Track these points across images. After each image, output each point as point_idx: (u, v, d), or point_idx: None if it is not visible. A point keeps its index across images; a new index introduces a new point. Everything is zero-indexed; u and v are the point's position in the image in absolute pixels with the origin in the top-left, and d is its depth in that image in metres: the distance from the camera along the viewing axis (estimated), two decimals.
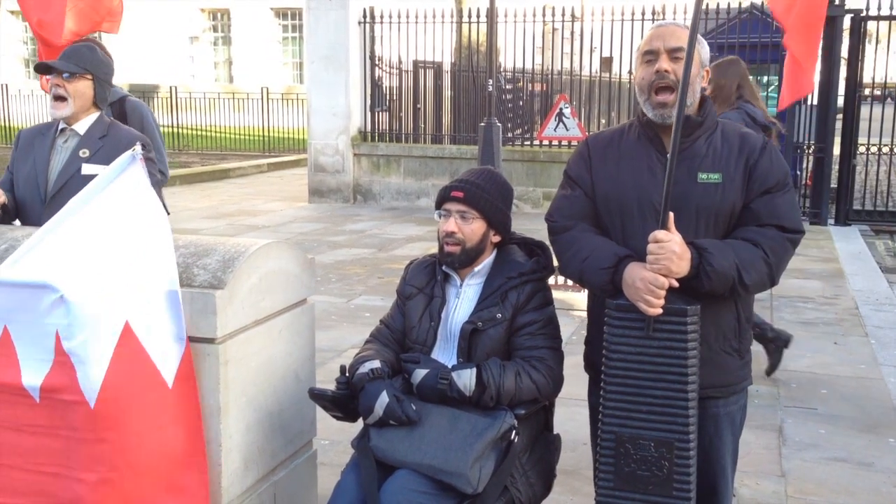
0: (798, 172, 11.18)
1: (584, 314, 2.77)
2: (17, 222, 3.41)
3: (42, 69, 3.43)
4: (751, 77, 5.22)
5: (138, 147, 2.36)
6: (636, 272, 2.31)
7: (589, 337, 2.65)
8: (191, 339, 2.45)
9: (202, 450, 2.36)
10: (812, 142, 11.02)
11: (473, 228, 2.70)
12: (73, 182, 3.26)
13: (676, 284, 2.28)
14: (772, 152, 2.44)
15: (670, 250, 2.25)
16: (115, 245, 2.22)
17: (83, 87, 3.36)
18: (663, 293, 2.27)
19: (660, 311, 2.28)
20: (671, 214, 2.28)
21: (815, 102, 10.87)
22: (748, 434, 4.27)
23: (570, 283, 7.24)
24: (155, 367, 2.22)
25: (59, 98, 3.34)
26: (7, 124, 20.51)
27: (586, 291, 2.67)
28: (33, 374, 2.15)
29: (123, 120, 4.87)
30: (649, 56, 2.41)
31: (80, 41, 4.04)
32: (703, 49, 2.45)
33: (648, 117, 2.43)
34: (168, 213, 3.34)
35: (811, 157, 11.09)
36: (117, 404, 2.14)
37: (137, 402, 2.19)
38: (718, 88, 4.85)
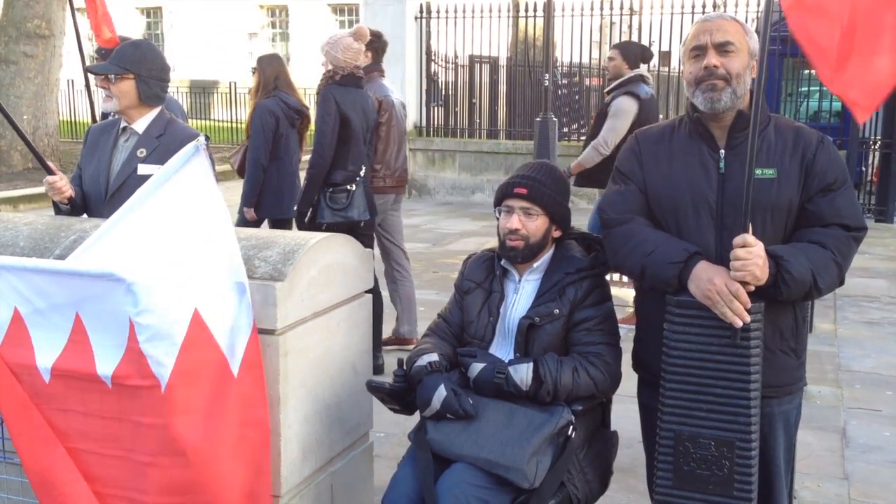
0: (863, 168, 10.90)
1: None
2: (86, 216, 3.50)
3: (90, 71, 3.52)
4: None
5: (202, 138, 2.38)
6: (710, 272, 2.26)
7: (638, 335, 2.62)
8: None
9: (267, 441, 2.38)
10: (878, 137, 10.73)
11: (537, 225, 2.68)
12: (130, 182, 3.29)
13: (752, 290, 2.23)
14: (829, 147, 2.39)
15: (757, 255, 2.20)
16: (180, 235, 2.26)
17: (126, 87, 3.34)
18: (747, 301, 2.22)
19: (747, 319, 2.23)
20: (749, 223, 2.23)
21: None
22: (810, 435, 4.20)
23: (626, 279, 7.17)
24: (223, 355, 2.26)
25: (108, 95, 3.43)
26: (74, 119, 21.04)
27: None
28: (107, 363, 2.20)
29: None
30: (697, 51, 2.37)
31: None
32: (752, 40, 2.41)
33: (698, 113, 2.39)
34: None
35: (877, 153, 10.80)
36: (187, 389, 2.18)
37: (205, 388, 2.23)
38: (261, 79, 5.60)
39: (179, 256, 2.21)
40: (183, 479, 2.20)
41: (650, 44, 12.20)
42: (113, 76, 3.34)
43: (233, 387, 2.28)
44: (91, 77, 4.60)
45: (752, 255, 2.19)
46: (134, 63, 3.35)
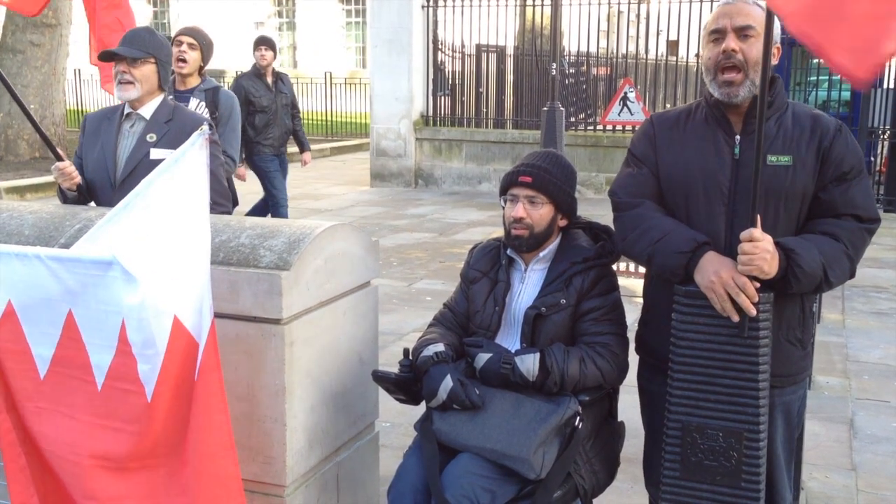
0: (872, 158, 10.84)
1: None
2: (93, 204, 3.50)
3: (107, 57, 3.43)
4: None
5: (205, 127, 2.36)
6: (717, 264, 2.24)
7: (644, 318, 2.60)
8: (256, 320, 2.48)
9: (232, 442, 2.24)
10: (887, 126, 10.66)
11: (542, 213, 2.66)
12: (141, 166, 3.31)
13: (758, 285, 2.21)
14: (847, 135, 2.35)
15: (764, 249, 2.17)
16: (169, 233, 2.19)
17: (148, 72, 3.39)
18: (753, 295, 2.19)
19: (753, 312, 2.21)
20: (758, 216, 2.20)
21: (891, 86, 10.49)
22: (818, 426, 4.18)
23: (633, 268, 7.14)
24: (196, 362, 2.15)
25: (126, 82, 3.38)
26: (79, 109, 21.06)
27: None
28: (101, 357, 2.17)
29: (216, 108, 5.11)
30: (716, 35, 2.34)
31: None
32: (775, 26, 2.37)
33: (716, 98, 2.36)
34: (237, 202, 3.40)
35: (886, 143, 10.74)
36: (169, 398, 2.12)
37: (186, 395, 2.14)
38: None
39: (165, 258, 2.13)
40: (160, 485, 2.17)
41: (658, 33, 12.17)
42: (134, 60, 3.35)
43: (195, 390, 2.16)
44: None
45: (758, 249, 2.17)
46: (154, 47, 3.42)
